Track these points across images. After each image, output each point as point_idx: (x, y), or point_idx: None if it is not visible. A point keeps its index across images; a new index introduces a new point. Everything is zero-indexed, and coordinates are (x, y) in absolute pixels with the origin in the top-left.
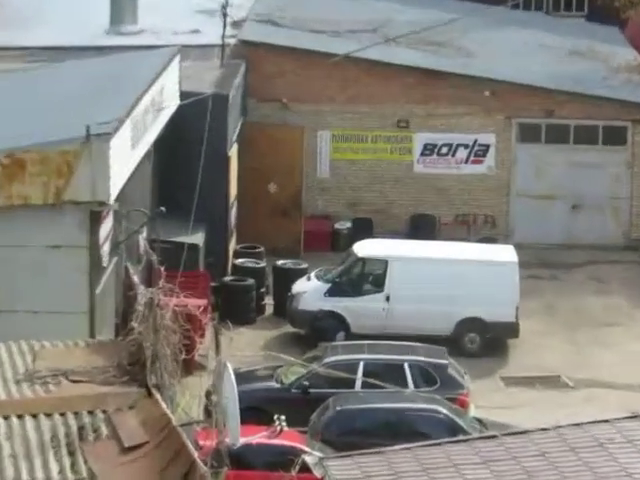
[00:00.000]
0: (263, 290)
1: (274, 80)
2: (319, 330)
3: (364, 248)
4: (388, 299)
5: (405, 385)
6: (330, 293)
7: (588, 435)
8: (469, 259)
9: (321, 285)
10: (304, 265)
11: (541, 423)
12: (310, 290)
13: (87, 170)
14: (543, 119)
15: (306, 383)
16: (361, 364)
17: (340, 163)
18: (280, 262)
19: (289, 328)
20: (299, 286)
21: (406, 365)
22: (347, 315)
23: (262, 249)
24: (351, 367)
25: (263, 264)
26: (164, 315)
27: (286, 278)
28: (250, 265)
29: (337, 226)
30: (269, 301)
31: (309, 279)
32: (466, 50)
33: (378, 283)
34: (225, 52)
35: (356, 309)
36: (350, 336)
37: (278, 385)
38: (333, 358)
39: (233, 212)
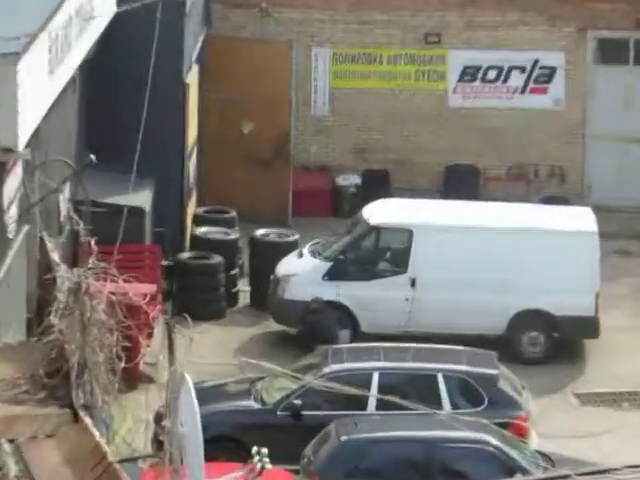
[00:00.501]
0: (235, 272)
1: None
2: (315, 328)
3: (379, 213)
4: (413, 284)
5: (439, 405)
6: (330, 276)
7: None
8: (528, 228)
9: (318, 264)
10: (293, 237)
11: (629, 457)
12: (302, 272)
13: None
14: (632, 32)
15: (297, 402)
16: (375, 376)
17: (344, 94)
18: (259, 232)
19: (273, 325)
20: (286, 266)
21: (440, 377)
22: (355, 307)
23: (234, 214)
24: (361, 380)
25: (235, 235)
26: (95, 307)
27: (268, 255)
28: (217, 236)
29: (340, 182)
30: (244, 287)
31: (300, 256)
32: None
33: (399, 262)
34: None
35: (368, 298)
36: (359, 336)
37: (258, 405)
38: (336, 367)
39: (192, 162)
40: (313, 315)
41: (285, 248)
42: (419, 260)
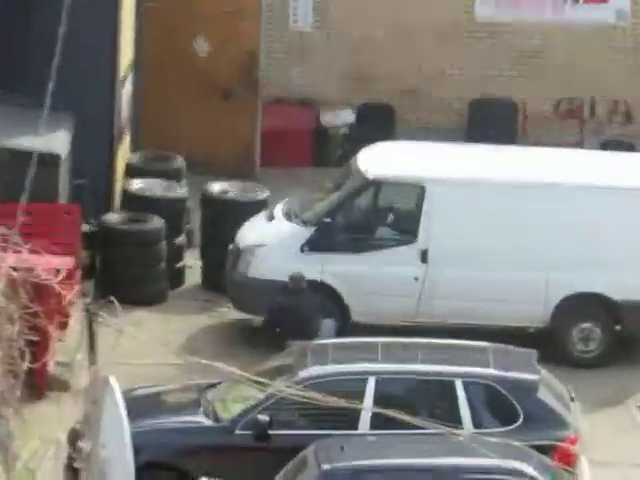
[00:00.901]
0: (182, 240)
1: None
2: (289, 316)
3: (379, 162)
4: (425, 258)
5: (457, 423)
6: (312, 247)
7: None
8: (581, 184)
9: (295, 231)
10: (262, 194)
11: None
12: (273, 241)
13: None
14: None
15: (263, 418)
16: (371, 382)
17: (334, 1)
18: (215, 187)
19: (232, 312)
20: (251, 233)
21: (459, 384)
22: (344, 288)
23: (181, 163)
24: (352, 388)
25: (182, 191)
26: None
27: (227, 218)
28: (157, 193)
29: (327, 120)
30: (193, 261)
31: (271, 219)
32: None
33: (405, 229)
34: None
35: (362, 278)
36: (349, 328)
37: (209, 422)
38: (316, 371)
39: (126, 93)
40: (287, 299)
41: (250, 209)
42: (433, 226)
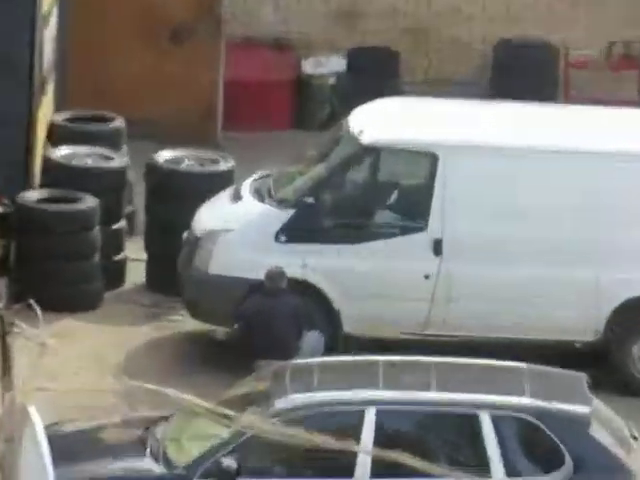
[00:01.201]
0: (121, 226)
1: None
2: (263, 328)
3: (377, 124)
4: (438, 250)
5: (483, 468)
6: (291, 235)
7: None
8: None
9: (268, 214)
10: (225, 164)
11: None
12: (240, 226)
13: None
14: None
15: (229, 463)
16: (370, 414)
17: None
18: (165, 156)
19: (188, 322)
20: (212, 217)
21: (485, 418)
22: (333, 290)
23: (120, 124)
24: (345, 423)
25: (122, 161)
26: None
27: (179, 196)
28: (88, 163)
29: (311, 68)
30: (135, 254)
31: (237, 199)
32: None
33: (412, 211)
34: None
35: (357, 275)
36: (340, 343)
37: (159, 467)
38: (298, 399)
39: (49, 35)
40: (260, 304)
41: (210, 185)
42: (448, 207)
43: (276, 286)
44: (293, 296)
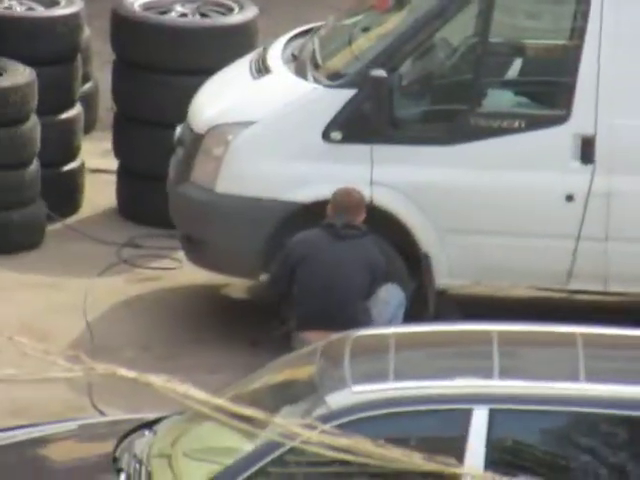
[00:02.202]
0: (74, 113)
1: None
2: (314, 284)
3: None
4: (588, 154)
5: None
6: (350, 129)
7: None
8: None
9: (312, 97)
10: (241, 13)
11: None
12: (267, 116)
13: None
14: None
15: None
16: (480, 416)
17: None
18: None
19: (186, 270)
20: (221, 100)
21: None
22: (418, 220)
23: None
24: (441, 428)
25: (71, 4)
26: None
27: (168, 67)
28: (17, 10)
29: None
30: (97, 162)
31: (260, 71)
32: None
33: (546, 88)
34: None
35: (458, 196)
36: (429, 303)
37: None
38: (364, 394)
39: None
40: (315, 244)
41: (218, 47)
42: (607, 83)
43: (347, 222)
44: (371, 242)
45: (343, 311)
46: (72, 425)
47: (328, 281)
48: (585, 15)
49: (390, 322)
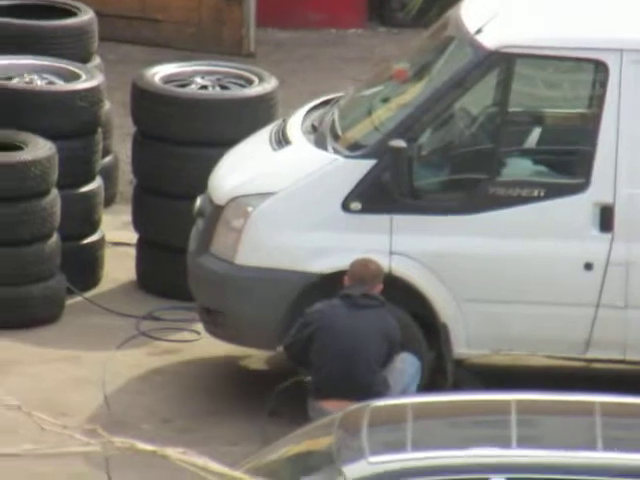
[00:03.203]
0: (94, 188)
1: None
2: (331, 354)
3: (506, 17)
4: (607, 221)
5: None
6: (370, 200)
7: None
8: None
9: (332, 168)
10: (262, 86)
11: None
12: (287, 188)
13: None
14: None
15: None
16: None
17: None
18: (163, 72)
19: (205, 342)
20: (241, 172)
21: None
22: (436, 289)
23: (88, 15)
24: None
25: (91, 77)
26: None
27: (188, 138)
28: (38, 84)
29: None
30: (117, 236)
31: (280, 143)
32: None
33: (565, 159)
34: None
35: (477, 266)
36: (446, 372)
37: None
38: (379, 464)
39: None
40: (332, 314)
41: (237, 118)
42: (626, 152)
43: (364, 292)
44: (387, 312)
45: (360, 380)
46: None
47: (345, 350)
48: (604, 84)
49: (406, 391)
